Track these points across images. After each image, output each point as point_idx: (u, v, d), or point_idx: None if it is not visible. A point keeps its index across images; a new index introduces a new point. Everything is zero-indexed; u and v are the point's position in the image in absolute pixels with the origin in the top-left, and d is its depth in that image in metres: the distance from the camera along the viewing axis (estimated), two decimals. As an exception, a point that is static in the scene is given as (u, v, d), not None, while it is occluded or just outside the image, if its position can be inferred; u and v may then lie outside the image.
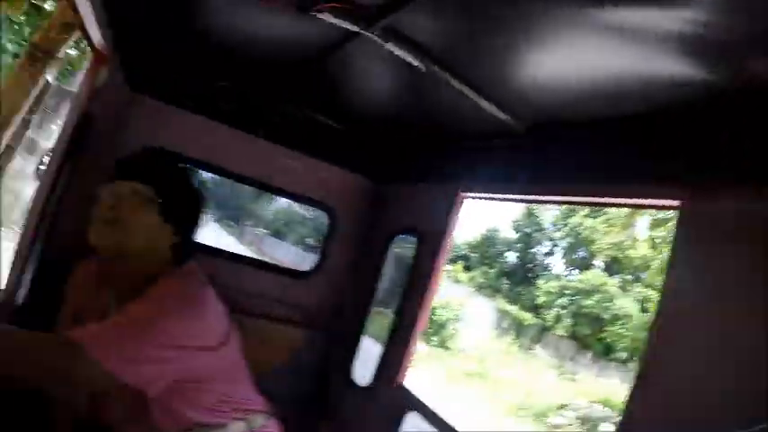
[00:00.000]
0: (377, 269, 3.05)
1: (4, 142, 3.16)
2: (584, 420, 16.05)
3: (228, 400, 1.89)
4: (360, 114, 2.83)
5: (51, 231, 2.32)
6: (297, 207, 36.09)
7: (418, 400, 2.44)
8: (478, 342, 22.54)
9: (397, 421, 2.48)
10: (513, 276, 32.56)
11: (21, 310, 2.16)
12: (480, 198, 2.59)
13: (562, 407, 16.75)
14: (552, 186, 2.13)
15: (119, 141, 2.73)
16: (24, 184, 11.39)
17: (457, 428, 2.14)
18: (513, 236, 34.17)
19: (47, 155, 11.40)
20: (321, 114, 2.91)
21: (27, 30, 9.78)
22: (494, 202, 2.69)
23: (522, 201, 2.68)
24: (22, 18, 9.64)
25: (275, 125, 3.02)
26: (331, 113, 2.91)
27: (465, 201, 2.56)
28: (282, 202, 36.61)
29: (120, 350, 1.53)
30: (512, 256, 34.01)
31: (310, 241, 33.65)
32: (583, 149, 1.99)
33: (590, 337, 25.30)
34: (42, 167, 11.31)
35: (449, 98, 2.12)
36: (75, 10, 1.76)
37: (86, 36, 1.99)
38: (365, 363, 2.96)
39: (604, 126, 1.88)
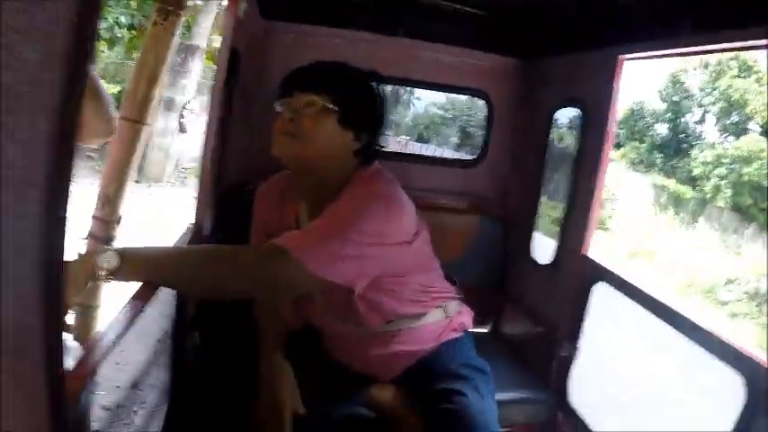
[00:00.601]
0: (542, 147, 2.96)
1: (156, 99, 3.28)
2: (752, 296, 15.18)
3: (427, 289, 1.97)
4: None
5: (223, 162, 2.46)
6: (435, 109, 35.56)
7: (606, 269, 2.38)
8: (639, 220, 21.64)
9: (585, 292, 2.44)
10: (665, 149, 30.14)
11: (209, 239, 2.32)
12: (641, 58, 2.38)
13: (729, 282, 15.87)
14: (714, 34, 1.91)
15: (263, 71, 2.80)
16: (170, 140, 12.12)
17: (651, 294, 2.07)
18: (661, 106, 31.48)
19: (185, 108, 12.05)
20: (458, 3, 2.77)
21: (135, 1, 10.15)
22: (654, 60, 2.48)
23: (685, 54, 2.45)
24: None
25: (413, 22, 2.93)
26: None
27: (625, 63, 2.38)
28: (419, 106, 36.16)
29: (322, 251, 1.59)
30: (662, 128, 31.31)
31: (455, 140, 33.10)
32: None
33: (753, 207, 23.31)
34: (183, 121, 11.98)
35: None
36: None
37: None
38: (540, 248, 2.93)
39: None
